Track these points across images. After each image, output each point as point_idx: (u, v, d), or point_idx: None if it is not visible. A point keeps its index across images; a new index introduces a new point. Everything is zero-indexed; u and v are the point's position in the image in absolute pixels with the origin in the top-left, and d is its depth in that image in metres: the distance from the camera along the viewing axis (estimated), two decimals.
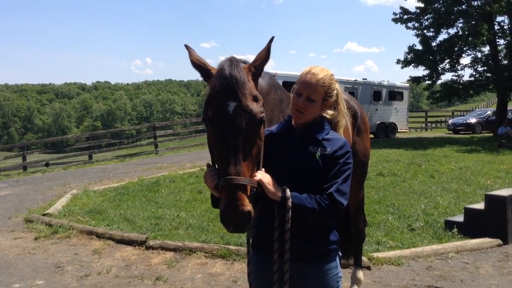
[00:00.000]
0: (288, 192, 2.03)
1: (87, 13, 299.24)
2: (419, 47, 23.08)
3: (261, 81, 2.46)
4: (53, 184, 12.38)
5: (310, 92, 2.20)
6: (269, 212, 2.13)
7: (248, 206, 1.91)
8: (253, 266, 2.30)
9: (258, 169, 2.08)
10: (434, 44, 22.91)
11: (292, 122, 2.32)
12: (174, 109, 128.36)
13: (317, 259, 2.22)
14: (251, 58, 2.25)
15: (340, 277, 2.31)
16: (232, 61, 2.09)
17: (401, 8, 23.13)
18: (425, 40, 22.54)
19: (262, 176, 2.03)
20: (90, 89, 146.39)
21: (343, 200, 2.09)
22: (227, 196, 1.92)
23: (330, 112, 2.31)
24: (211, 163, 2.17)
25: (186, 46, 2.22)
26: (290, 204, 2.02)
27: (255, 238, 2.28)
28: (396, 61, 23.70)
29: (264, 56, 2.18)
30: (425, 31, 22.96)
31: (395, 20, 23.23)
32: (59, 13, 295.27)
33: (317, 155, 2.15)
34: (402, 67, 23.54)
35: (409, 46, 23.22)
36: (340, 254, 2.39)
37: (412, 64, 23.16)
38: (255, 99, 2.07)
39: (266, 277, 2.21)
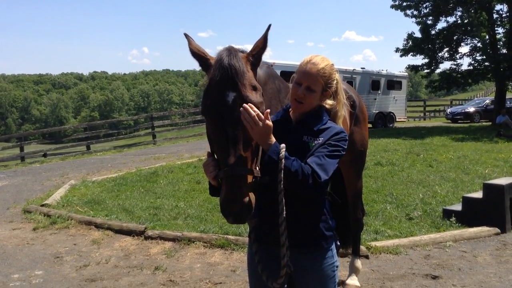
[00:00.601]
0: (282, 153, 1.98)
1: (83, 3, 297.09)
2: (418, 35, 23.02)
3: (259, 70, 2.44)
4: (51, 175, 12.36)
5: (310, 82, 2.18)
6: (269, 202, 2.11)
7: (248, 197, 1.90)
8: (258, 257, 2.29)
9: (257, 159, 2.06)
10: (433, 32, 22.84)
11: (290, 112, 2.30)
12: (172, 99, 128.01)
13: (312, 246, 2.21)
14: (249, 47, 2.22)
15: (337, 266, 2.30)
16: (231, 50, 2.06)
17: None
18: (425, 28, 22.42)
19: (258, 126, 1.93)
20: (87, 79, 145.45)
21: (322, 174, 2.01)
22: (227, 187, 1.91)
23: (329, 102, 2.28)
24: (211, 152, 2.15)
25: (186, 35, 2.19)
26: (282, 166, 1.97)
27: (258, 230, 2.27)
28: (395, 49, 23.67)
29: (262, 45, 2.16)
30: (424, 19, 22.86)
31: (394, 7, 23.09)
32: (56, 3, 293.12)
33: (311, 145, 2.13)
34: (401, 55, 23.50)
35: (408, 33, 23.15)
36: (338, 243, 2.39)
37: (411, 53, 23.10)
38: (254, 89, 2.05)
39: (267, 267, 2.22)
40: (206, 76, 2.13)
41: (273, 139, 2.00)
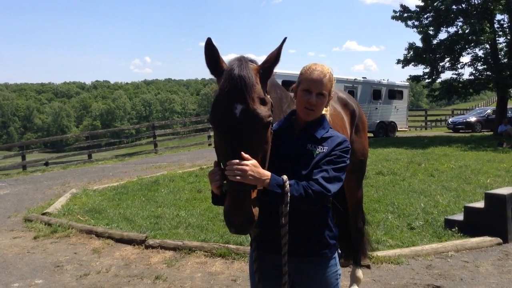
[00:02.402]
0: (287, 187, 1.98)
1: (86, 12, 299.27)
2: (419, 45, 23.07)
3: None
4: (52, 184, 12.37)
5: (321, 88, 2.21)
6: (271, 211, 2.12)
7: (250, 210, 1.91)
8: (256, 265, 2.30)
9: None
10: (434, 42, 22.90)
11: (292, 120, 2.31)
12: (174, 108, 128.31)
13: (316, 255, 2.22)
14: (251, 56, 2.20)
15: (340, 274, 2.33)
16: (242, 61, 2.04)
17: (402, 6, 23.12)
18: (426, 37, 22.48)
19: (242, 172, 1.91)
20: (90, 89, 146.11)
21: (331, 188, 2.05)
22: (231, 200, 1.92)
23: (326, 108, 2.34)
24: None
25: (209, 42, 2.04)
26: (288, 199, 1.99)
27: (260, 239, 2.28)
28: (396, 61, 23.70)
29: (274, 58, 2.12)
30: (425, 28, 22.92)
31: (395, 18, 23.16)
32: (58, 13, 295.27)
33: (315, 153, 2.15)
34: (402, 67, 23.55)
35: (410, 43, 23.22)
36: (339, 251, 2.39)
37: (412, 63, 23.15)
38: (263, 102, 2.03)
39: (268, 275, 2.24)
40: (216, 85, 2.11)
41: (267, 173, 1.97)
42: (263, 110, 2.00)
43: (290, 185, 1.99)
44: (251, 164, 1.91)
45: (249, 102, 1.96)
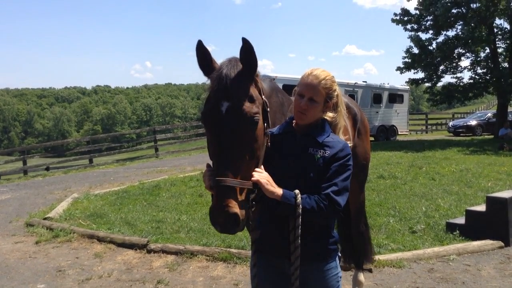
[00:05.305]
0: (299, 199, 2.03)
1: (87, 17, 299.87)
2: (416, 50, 23.15)
3: (263, 84, 2.48)
4: (53, 188, 12.38)
5: (313, 93, 2.22)
6: (273, 213, 2.13)
7: (235, 209, 1.92)
8: (258, 269, 2.31)
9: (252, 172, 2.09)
10: (432, 46, 22.97)
11: (293, 124, 2.33)
12: (174, 113, 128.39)
13: (317, 259, 2.23)
14: None
15: (340, 277, 2.33)
16: (231, 61, 2.11)
17: (402, 9, 23.25)
18: (420, 43, 22.57)
19: (260, 176, 2.02)
20: (90, 93, 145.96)
21: (341, 201, 2.08)
22: (215, 197, 1.96)
23: (330, 114, 2.32)
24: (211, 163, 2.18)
25: (200, 44, 2.15)
26: (300, 211, 2.02)
27: (260, 241, 2.28)
28: (396, 68, 23.82)
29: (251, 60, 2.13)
30: (421, 34, 23.08)
31: (396, 21, 23.27)
32: (59, 17, 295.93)
33: (316, 157, 2.16)
34: (401, 73, 23.66)
35: (407, 48, 23.31)
36: (339, 255, 2.41)
37: (412, 69, 23.23)
38: (251, 99, 2.07)
39: (273, 281, 2.24)
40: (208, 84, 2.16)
41: (279, 189, 2.05)
42: (249, 107, 2.04)
43: (302, 198, 2.03)
44: (267, 176, 2.04)
45: (235, 100, 2.01)
